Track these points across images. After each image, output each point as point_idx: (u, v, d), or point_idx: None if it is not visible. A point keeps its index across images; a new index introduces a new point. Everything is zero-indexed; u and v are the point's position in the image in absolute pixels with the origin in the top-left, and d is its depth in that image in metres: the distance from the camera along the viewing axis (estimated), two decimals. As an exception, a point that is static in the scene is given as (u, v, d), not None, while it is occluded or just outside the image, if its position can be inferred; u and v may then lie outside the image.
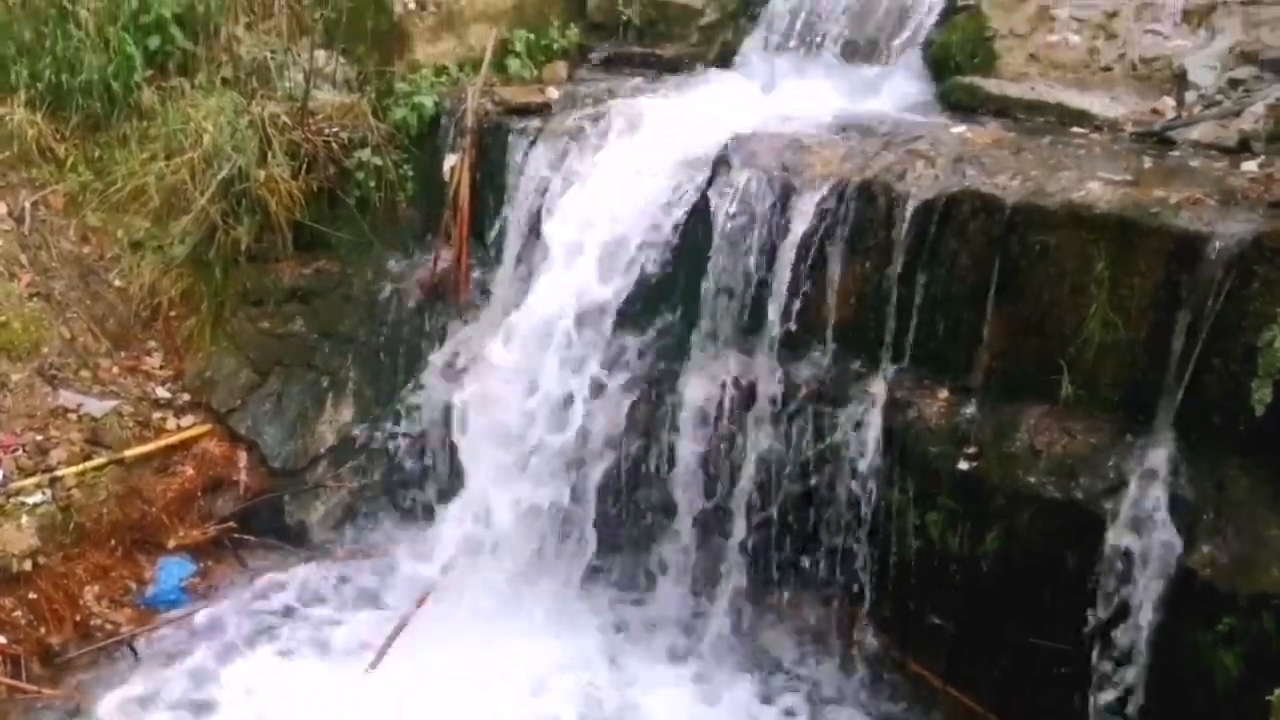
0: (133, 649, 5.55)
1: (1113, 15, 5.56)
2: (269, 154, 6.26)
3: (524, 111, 6.08)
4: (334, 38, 6.60)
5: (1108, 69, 5.45)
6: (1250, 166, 4.68)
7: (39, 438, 5.94)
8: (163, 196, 6.54)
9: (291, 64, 6.59)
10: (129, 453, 6.04)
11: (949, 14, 5.89)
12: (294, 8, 6.80)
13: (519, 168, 5.91)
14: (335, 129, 6.39)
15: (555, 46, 6.74)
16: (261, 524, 6.28)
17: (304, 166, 6.34)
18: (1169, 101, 5.24)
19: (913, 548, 4.94)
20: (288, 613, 5.89)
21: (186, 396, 6.51)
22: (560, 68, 6.63)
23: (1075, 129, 5.28)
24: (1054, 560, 4.60)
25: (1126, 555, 4.39)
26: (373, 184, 6.38)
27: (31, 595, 5.47)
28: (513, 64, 6.59)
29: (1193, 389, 4.34)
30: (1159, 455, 4.41)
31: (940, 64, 5.76)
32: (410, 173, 6.42)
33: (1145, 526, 4.37)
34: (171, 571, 5.94)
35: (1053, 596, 4.62)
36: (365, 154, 6.35)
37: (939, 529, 4.85)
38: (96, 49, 6.70)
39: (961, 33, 5.75)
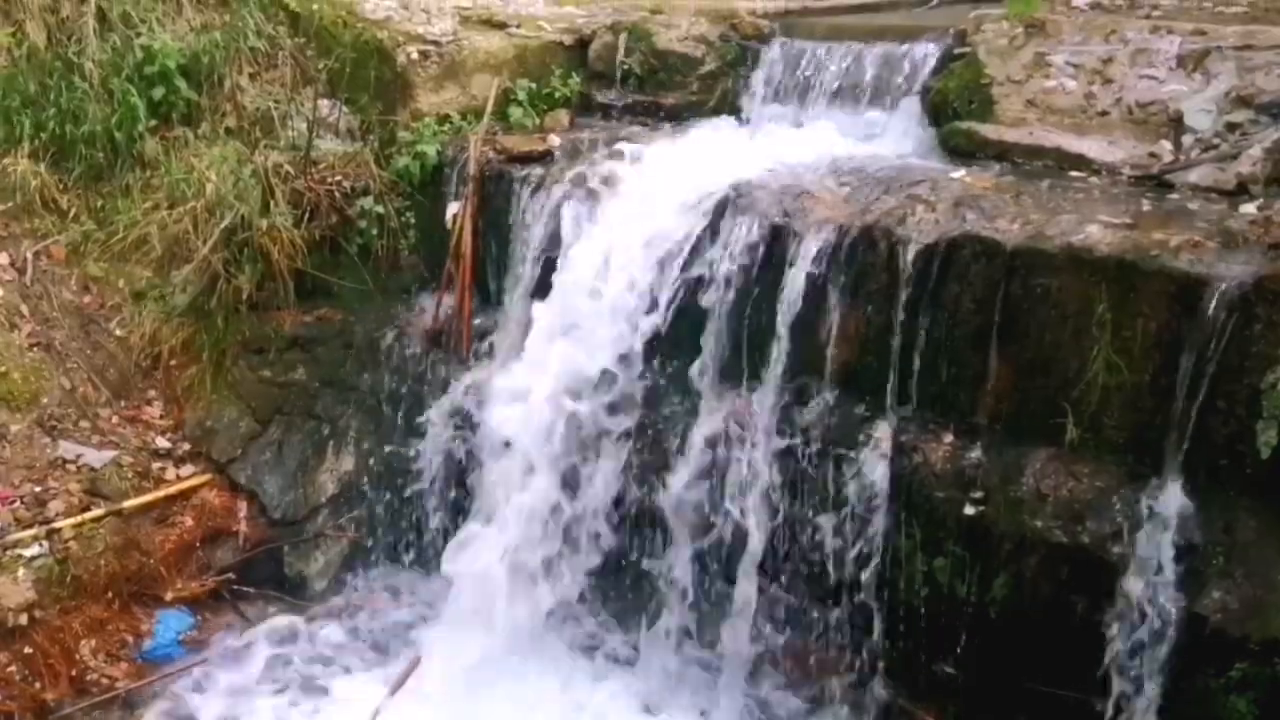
0: (129, 705, 5.46)
1: (1108, 61, 5.61)
2: (272, 203, 6.29)
3: (526, 159, 6.11)
4: (337, 88, 6.66)
5: (1104, 114, 5.49)
6: (1249, 209, 4.69)
7: (37, 489, 5.90)
8: (165, 246, 6.56)
9: (295, 114, 6.65)
10: (128, 504, 5.99)
11: (946, 61, 5.93)
12: (298, 58, 6.88)
13: (521, 215, 5.93)
14: (338, 178, 6.43)
15: (557, 95, 6.80)
16: (260, 575, 6.22)
17: (307, 215, 6.38)
18: (1166, 145, 5.26)
19: (921, 594, 4.89)
20: (286, 664, 5.82)
21: (186, 446, 6.48)
22: (562, 116, 6.68)
23: (1073, 173, 5.30)
24: (1063, 606, 4.56)
25: (1136, 601, 4.34)
26: (375, 232, 6.42)
27: (27, 650, 5.40)
28: (515, 113, 6.64)
29: (1198, 432, 4.32)
30: (1166, 499, 4.37)
31: (938, 110, 5.80)
32: (413, 221, 6.45)
33: (1154, 571, 4.33)
34: (169, 624, 5.88)
35: (1062, 643, 4.57)
36: (368, 202, 6.39)
37: (947, 575, 4.81)
38: (100, 100, 6.76)
39: (959, 80, 5.79)
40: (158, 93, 6.81)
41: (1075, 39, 5.77)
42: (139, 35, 6.86)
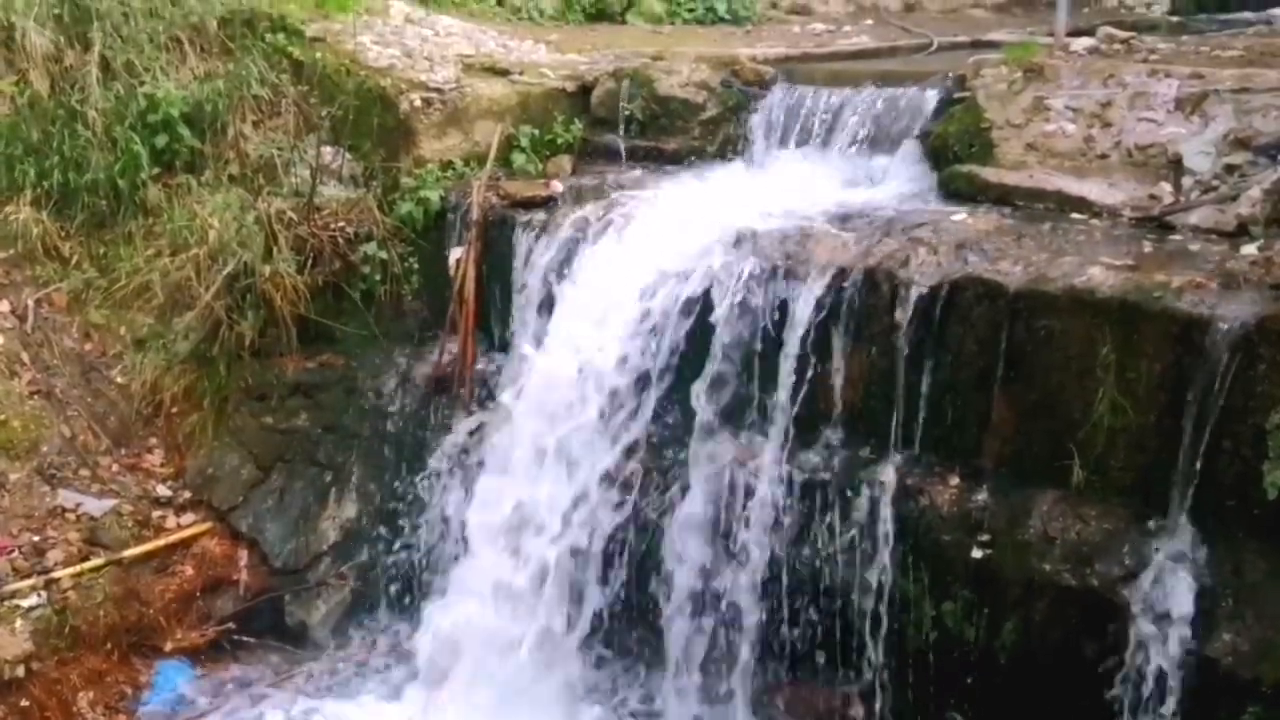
0: (127, 758, 5.42)
1: (1107, 105, 5.66)
2: (275, 249, 6.30)
3: (529, 205, 6.15)
4: (340, 135, 6.71)
5: (1104, 156, 5.52)
6: (1250, 250, 4.70)
7: (36, 538, 5.87)
8: (167, 293, 6.57)
9: (298, 161, 6.69)
10: (127, 553, 5.96)
11: (946, 106, 5.99)
12: (301, 106, 6.93)
13: (524, 260, 5.96)
14: (341, 224, 6.46)
15: (559, 141, 6.84)
16: (261, 624, 6.17)
17: (310, 261, 6.39)
18: (1166, 187, 5.30)
19: (929, 639, 4.85)
20: (287, 716, 5.74)
21: (187, 494, 6.45)
22: (565, 162, 6.73)
23: (1074, 215, 5.33)
24: (1072, 650, 4.51)
25: (1145, 644, 4.30)
26: (378, 278, 6.43)
27: (24, 703, 5.35)
28: (518, 158, 6.68)
29: (1205, 472, 4.30)
30: (1174, 541, 4.35)
31: (939, 154, 5.84)
32: (415, 266, 6.47)
33: (1163, 614, 4.29)
34: (168, 676, 5.82)
35: (1072, 688, 4.51)
36: (371, 248, 6.41)
37: (955, 619, 4.77)
38: (104, 148, 6.81)
39: (959, 124, 5.84)
40: (161, 140, 6.86)
41: (1074, 83, 5.82)
42: (142, 84, 6.91)
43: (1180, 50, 6.91)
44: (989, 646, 4.72)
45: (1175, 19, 11.09)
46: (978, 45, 8.18)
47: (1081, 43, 6.76)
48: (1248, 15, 9.96)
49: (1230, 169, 5.17)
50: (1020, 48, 6.54)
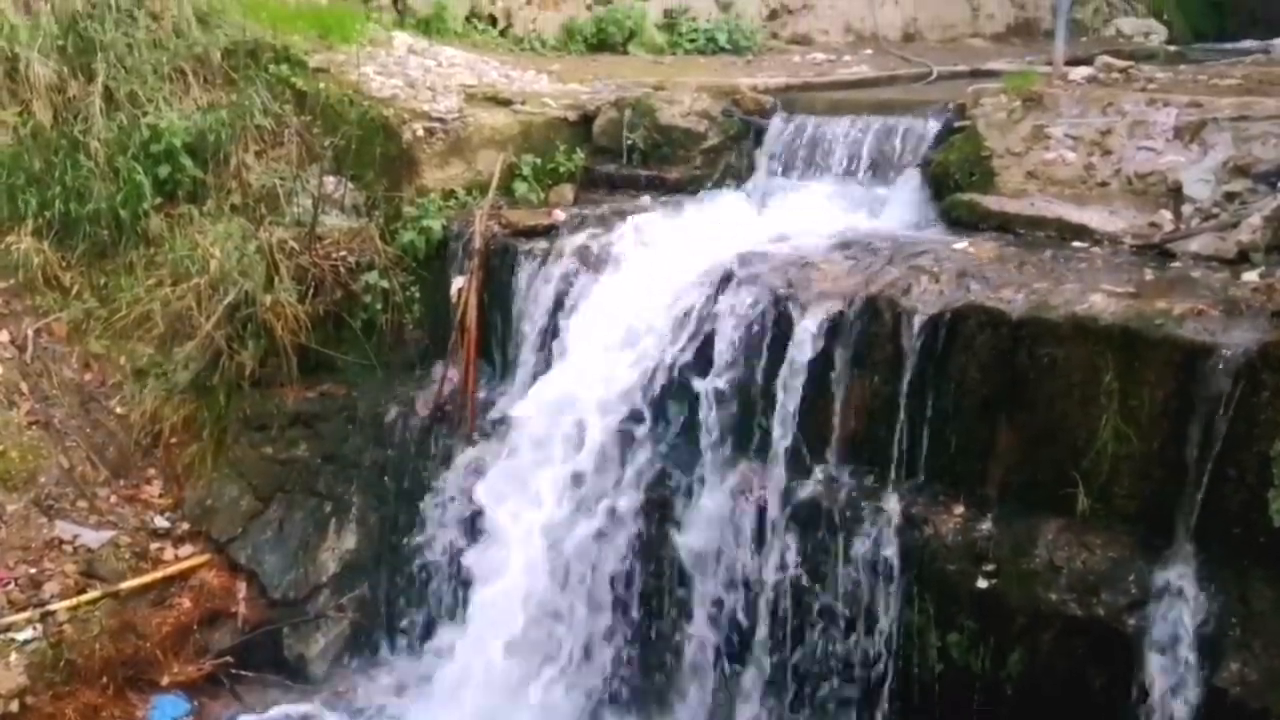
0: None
1: (1106, 133, 5.67)
2: (276, 279, 6.30)
3: (531, 233, 6.16)
4: (343, 164, 6.73)
5: (1104, 184, 5.54)
6: (1251, 277, 4.71)
7: (32, 570, 5.83)
8: (167, 322, 6.57)
9: (300, 190, 6.70)
10: (124, 585, 5.92)
11: (946, 135, 6.02)
12: (304, 136, 6.96)
13: (526, 289, 5.97)
14: (343, 253, 6.46)
15: (561, 170, 6.86)
16: (259, 657, 6.11)
17: (311, 290, 6.39)
18: (1166, 215, 5.30)
19: (935, 670, 4.80)
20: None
21: (186, 525, 6.41)
22: (567, 190, 6.75)
23: (1076, 243, 5.34)
24: (1079, 681, 4.47)
25: (1152, 674, 4.26)
26: (379, 307, 6.42)
27: (18, 738, 5.30)
28: (520, 187, 6.70)
29: (1210, 500, 4.27)
30: (1180, 569, 4.32)
31: (940, 182, 5.86)
32: (417, 295, 6.46)
33: (1170, 644, 4.26)
34: (165, 711, 5.75)
35: (1080, 718, 4.47)
36: (372, 277, 6.40)
37: (961, 650, 4.73)
38: (106, 178, 6.82)
39: (959, 152, 5.86)
40: (163, 171, 6.88)
41: (1073, 112, 5.84)
42: (145, 114, 6.94)
43: (1178, 79, 6.96)
44: (995, 677, 4.67)
45: (1173, 48, 11.18)
46: (977, 74, 8.24)
47: (1080, 72, 6.81)
48: (1245, 44, 10.03)
49: (1230, 196, 5.18)
50: (1019, 77, 6.59)
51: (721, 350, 5.23)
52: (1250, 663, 4.14)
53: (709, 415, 5.28)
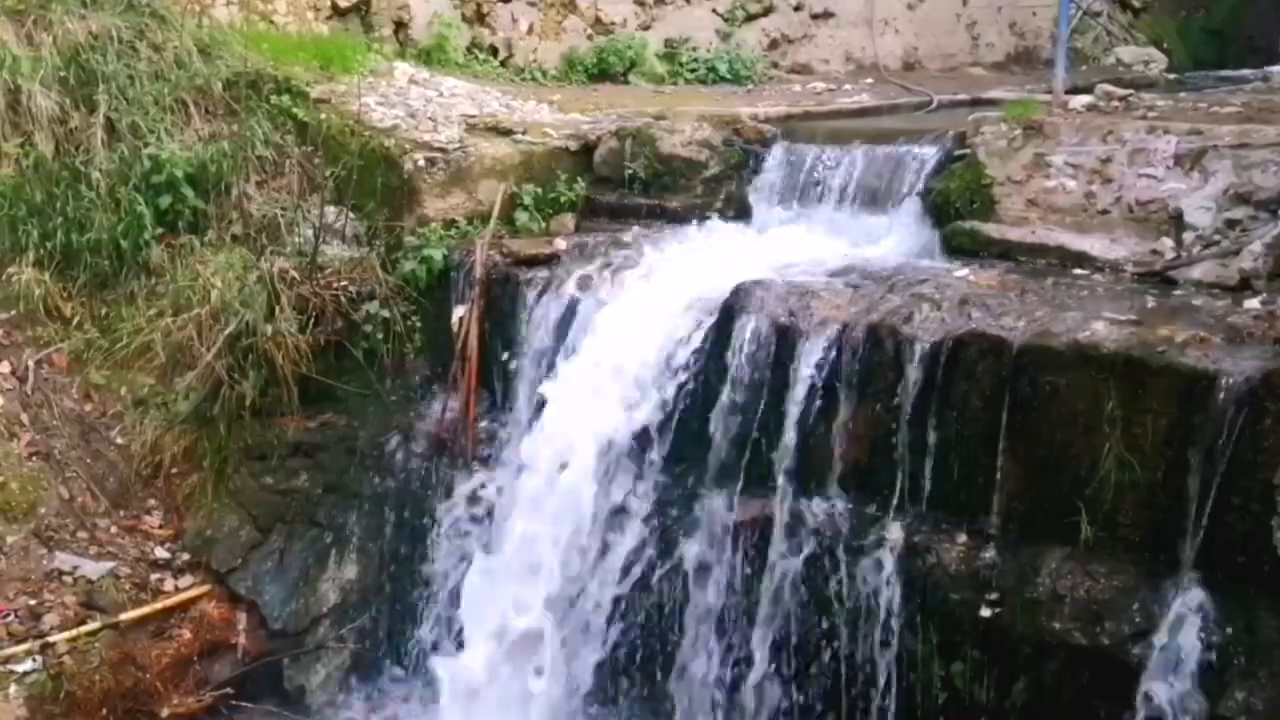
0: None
1: (1107, 161, 5.69)
2: (277, 308, 6.28)
3: (532, 262, 6.16)
4: (344, 194, 6.72)
5: (1105, 212, 5.56)
6: (1253, 304, 4.73)
7: (32, 602, 5.79)
8: (168, 353, 6.55)
9: (301, 220, 6.70)
10: (124, 616, 5.88)
11: (947, 163, 6.04)
12: (305, 166, 6.97)
13: (528, 318, 5.96)
14: (344, 283, 6.45)
15: (563, 199, 6.87)
16: (259, 689, 6.07)
17: (312, 320, 6.36)
18: (1167, 242, 5.32)
19: (939, 700, 4.77)
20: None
21: (186, 556, 6.37)
22: (568, 219, 6.76)
23: (1077, 270, 5.36)
24: (1084, 711, 4.44)
25: (1158, 704, 4.23)
26: (381, 336, 6.39)
27: (18, 770, 5.26)
28: (521, 217, 6.71)
29: (1214, 529, 4.26)
30: (1185, 598, 4.30)
31: (940, 210, 5.87)
32: (418, 324, 6.45)
33: (1175, 673, 4.23)
34: (165, 742, 5.73)
35: (1086, 750, 4.45)
36: (373, 307, 6.38)
37: (965, 680, 4.70)
38: (107, 209, 6.80)
39: (960, 180, 5.88)
40: (165, 201, 6.86)
41: (1073, 140, 5.86)
42: (147, 145, 6.94)
43: (1178, 107, 7.00)
44: (1000, 707, 4.65)
45: (1172, 76, 11.25)
46: (977, 103, 8.29)
47: (1080, 100, 6.85)
48: (1245, 72, 10.09)
49: (1231, 224, 5.20)
50: (1019, 105, 6.61)
51: (722, 381, 5.23)
52: (1255, 691, 4.12)
53: (711, 449, 5.27)
